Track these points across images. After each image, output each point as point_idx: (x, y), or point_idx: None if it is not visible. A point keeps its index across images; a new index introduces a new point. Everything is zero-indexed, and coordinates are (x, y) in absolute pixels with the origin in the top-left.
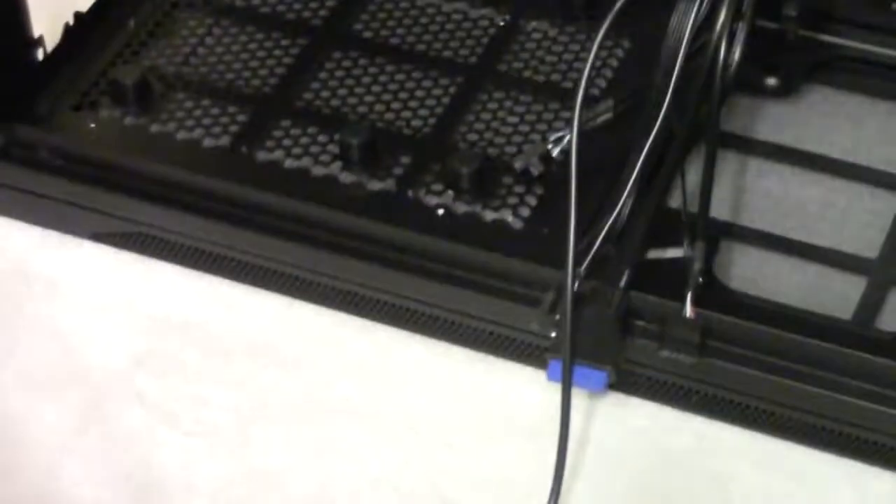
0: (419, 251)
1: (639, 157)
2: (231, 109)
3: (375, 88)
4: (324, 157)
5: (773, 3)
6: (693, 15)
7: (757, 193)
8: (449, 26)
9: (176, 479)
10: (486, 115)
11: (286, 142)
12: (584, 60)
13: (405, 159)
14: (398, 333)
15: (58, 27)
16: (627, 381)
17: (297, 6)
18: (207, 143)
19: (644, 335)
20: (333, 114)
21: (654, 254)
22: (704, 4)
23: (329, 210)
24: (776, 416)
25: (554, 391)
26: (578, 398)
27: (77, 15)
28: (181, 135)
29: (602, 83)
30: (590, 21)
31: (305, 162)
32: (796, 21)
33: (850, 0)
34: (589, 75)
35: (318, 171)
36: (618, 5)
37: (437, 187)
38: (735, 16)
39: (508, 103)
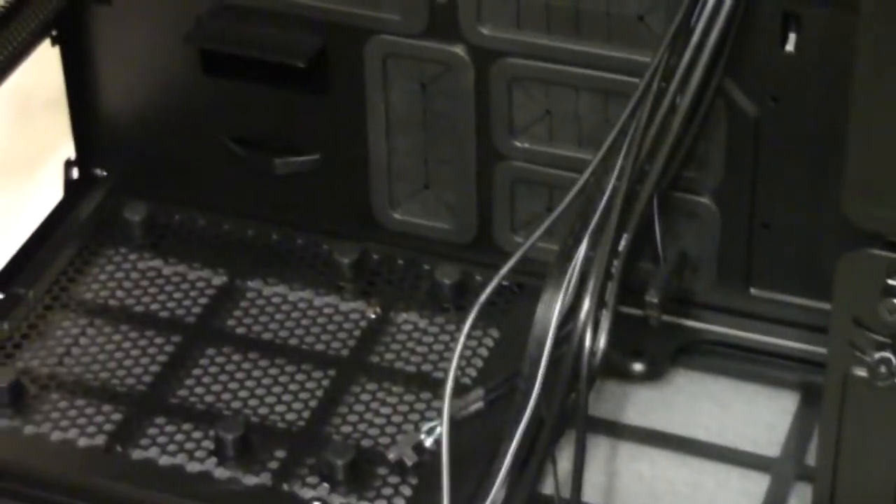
0: None
1: (510, 445)
2: (105, 408)
3: (249, 383)
4: (199, 454)
5: (636, 290)
6: (558, 304)
7: (627, 477)
8: (320, 320)
9: None
10: (359, 407)
11: (161, 439)
12: (454, 350)
13: (280, 453)
14: None
15: None
16: None
17: (170, 304)
18: (82, 442)
19: None
20: (208, 410)
21: None
22: (569, 294)
23: None
24: None
25: None
26: None
27: None
28: (55, 435)
29: (473, 372)
30: (459, 312)
31: (180, 459)
32: (658, 307)
33: (711, 285)
34: (457, 365)
35: (192, 467)
36: (482, 297)
37: (313, 480)
38: (599, 304)
39: (381, 394)
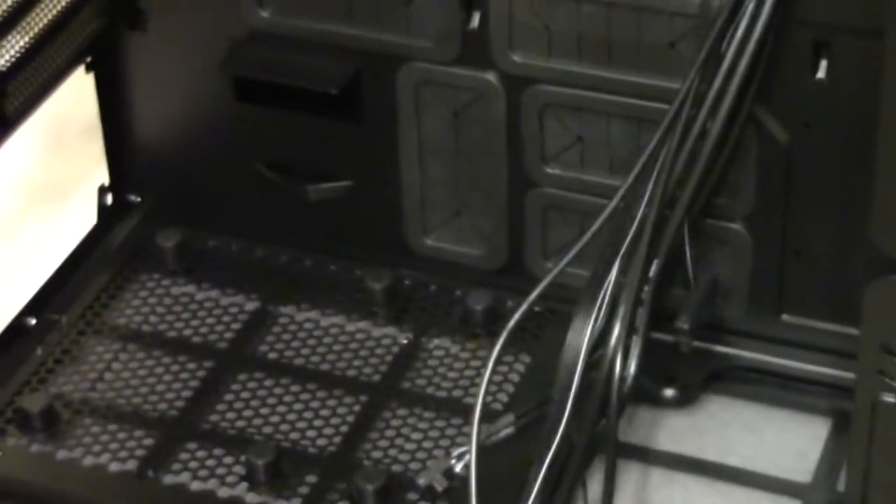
0: None
1: (540, 470)
2: (137, 433)
3: (280, 408)
4: (230, 479)
5: (667, 316)
6: (589, 330)
7: (659, 503)
8: (353, 345)
9: None
10: (390, 433)
11: (192, 464)
12: (483, 375)
13: (311, 478)
14: None
15: None
16: None
17: (203, 330)
18: (114, 467)
19: None
20: (239, 435)
21: None
22: (600, 320)
23: None
24: None
25: None
26: None
27: None
28: (88, 460)
29: (504, 398)
30: (490, 337)
31: (211, 484)
32: (690, 333)
33: (742, 312)
34: (486, 390)
35: (223, 492)
36: (511, 322)
37: None
38: (629, 330)
39: (412, 420)
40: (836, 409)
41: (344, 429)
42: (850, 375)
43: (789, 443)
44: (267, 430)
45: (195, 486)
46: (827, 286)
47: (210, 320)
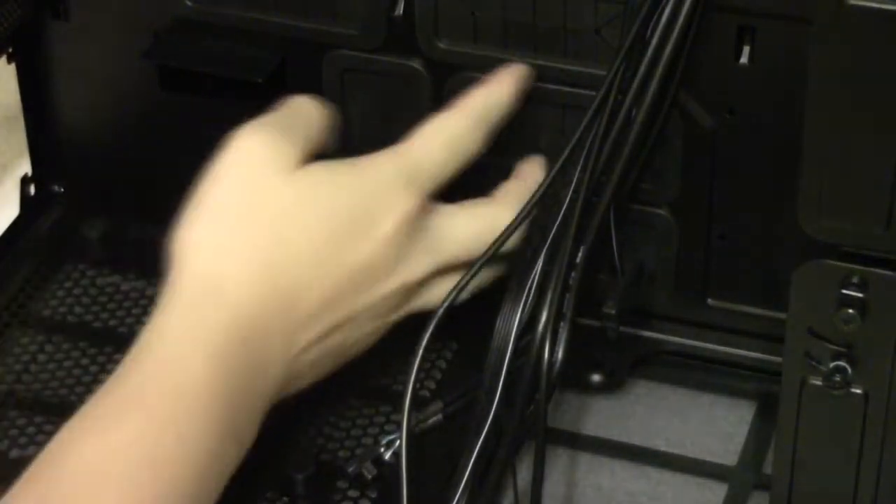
0: None
1: (470, 457)
2: None
3: None
4: None
5: (594, 302)
6: (517, 316)
7: (587, 488)
8: None
9: None
10: (318, 421)
11: None
12: (413, 363)
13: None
14: None
15: None
16: None
17: (129, 320)
18: None
19: None
20: None
21: None
22: (528, 306)
23: None
24: None
25: None
26: None
27: None
28: (14, 453)
29: (431, 385)
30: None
31: None
32: (616, 319)
33: (668, 297)
34: (416, 378)
35: None
36: (440, 309)
37: (272, 494)
38: (557, 316)
39: (340, 408)
40: (761, 392)
41: (272, 418)
42: (775, 359)
43: (715, 426)
44: None
45: None
46: (752, 270)
47: (136, 311)
